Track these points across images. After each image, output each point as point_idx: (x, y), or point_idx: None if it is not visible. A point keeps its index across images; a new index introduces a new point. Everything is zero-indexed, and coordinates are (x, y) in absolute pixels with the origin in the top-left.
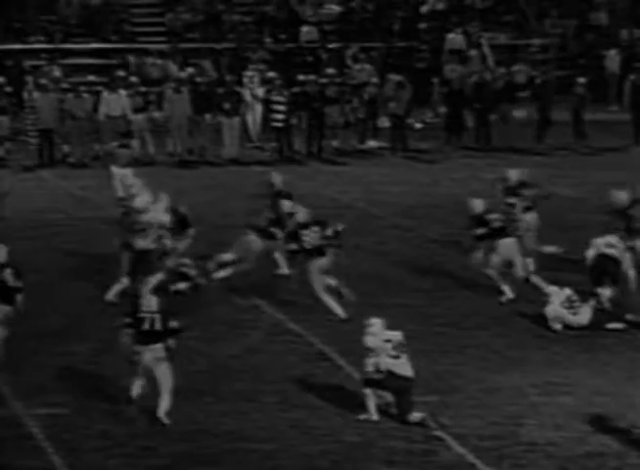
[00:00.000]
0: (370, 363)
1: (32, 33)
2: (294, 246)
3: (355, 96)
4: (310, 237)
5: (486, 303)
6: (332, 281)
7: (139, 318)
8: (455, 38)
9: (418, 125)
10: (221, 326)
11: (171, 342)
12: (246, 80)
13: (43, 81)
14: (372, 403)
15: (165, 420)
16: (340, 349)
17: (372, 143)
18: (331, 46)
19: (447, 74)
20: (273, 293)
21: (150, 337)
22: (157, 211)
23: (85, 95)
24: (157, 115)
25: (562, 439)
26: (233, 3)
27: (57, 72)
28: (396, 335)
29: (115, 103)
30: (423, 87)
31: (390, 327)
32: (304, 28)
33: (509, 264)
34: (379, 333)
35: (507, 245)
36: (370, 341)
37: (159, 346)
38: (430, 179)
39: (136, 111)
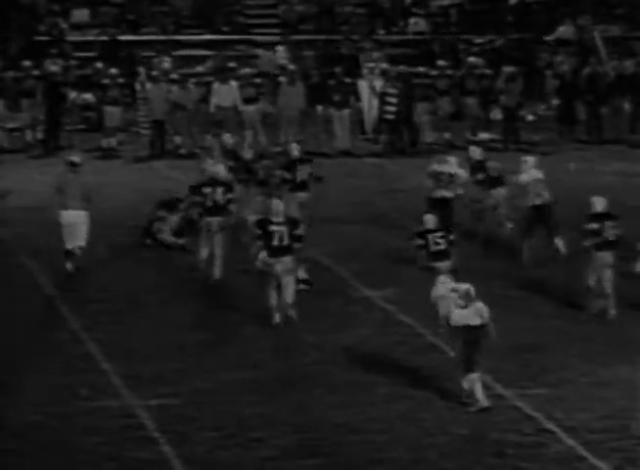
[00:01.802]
0: (441, 316)
1: (145, 24)
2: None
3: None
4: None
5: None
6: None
7: (269, 233)
8: (567, 30)
9: (530, 117)
10: (332, 318)
11: (297, 245)
12: (365, 72)
13: (155, 73)
14: (478, 389)
15: (294, 313)
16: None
17: (484, 135)
18: (444, 38)
19: (556, 65)
20: (383, 285)
21: (280, 251)
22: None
23: (191, 86)
24: (268, 106)
25: None
26: None
27: (166, 64)
28: (463, 286)
29: (226, 94)
30: (536, 79)
31: (501, 319)
32: (412, 20)
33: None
34: (446, 283)
35: (498, 194)
36: (438, 289)
37: (288, 258)
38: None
39: (247, 102)
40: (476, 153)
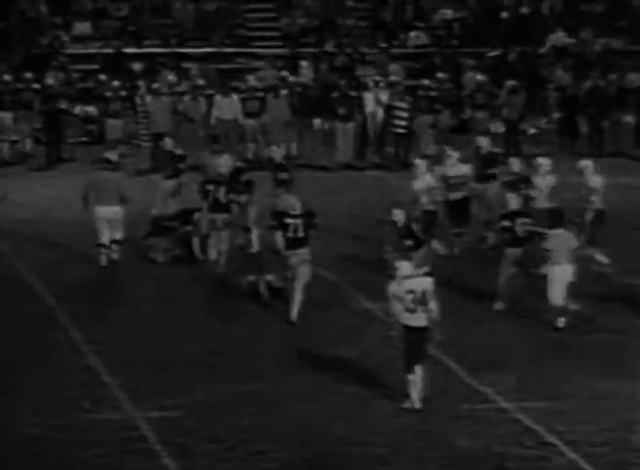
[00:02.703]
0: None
1: (147, 37)
2: None
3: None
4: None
5: (599, 308)
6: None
7: (284, 224)
8: (558, 37)
9: (532, 131)
10: (333, 330)
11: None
12: (371, 84)
13: (156, 85)
14: (415, 391)
15: (294, 319)
16: (454, 353)
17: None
18: (445, 51)
19: (556, 79)
20: (384, 297)
21: (296, 243)
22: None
23: (201, 98)
24: (265, 119)
25: None
26: (348, 8)
27: (170, 76)
28: (421, 284)
29: (228, 107)
30: (538, 92)
31: (499, 332)
32: (413, 33)
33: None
34: (404, 279)
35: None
36: (393, 287)
37: (304, 250)
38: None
39: (249, 115)
40: (483, 142)
